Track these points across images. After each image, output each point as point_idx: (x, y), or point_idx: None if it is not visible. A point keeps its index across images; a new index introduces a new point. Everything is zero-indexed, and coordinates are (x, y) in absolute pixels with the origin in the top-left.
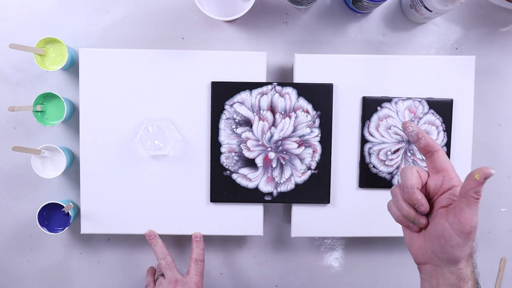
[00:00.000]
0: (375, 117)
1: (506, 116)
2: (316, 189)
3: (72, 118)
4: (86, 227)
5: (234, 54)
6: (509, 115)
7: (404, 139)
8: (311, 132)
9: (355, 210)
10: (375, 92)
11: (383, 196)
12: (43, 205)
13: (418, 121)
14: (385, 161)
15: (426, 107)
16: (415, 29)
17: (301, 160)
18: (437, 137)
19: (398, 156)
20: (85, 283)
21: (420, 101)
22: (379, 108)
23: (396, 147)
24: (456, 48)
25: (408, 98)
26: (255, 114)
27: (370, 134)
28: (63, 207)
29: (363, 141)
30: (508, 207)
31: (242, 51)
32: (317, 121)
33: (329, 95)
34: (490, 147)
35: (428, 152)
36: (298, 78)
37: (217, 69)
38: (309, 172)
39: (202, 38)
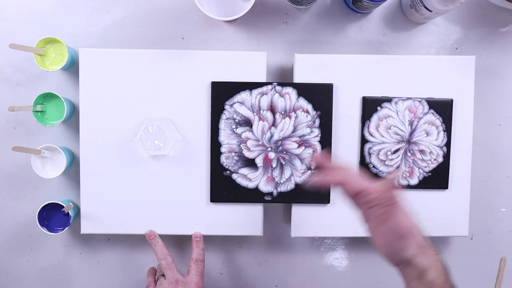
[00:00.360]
0: (375, 117)
1: (506, 116)
2: (316, 189)
3: (72, 118)
4: (86, 227)
5: (234, 54)
6: (509, 115)
7: (404, 139)
8: (311, 132)
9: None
10: (375, 92)
11: None
12: (43, 205)
13: (418, 121)
14: (385, 161)
15: (426, 107)
16: (415, 29)
17: (301, 160)
18: (437, 137)
19: (398, 156)
20: (85, 283)
21: (420, 101)
22: (379, 108)
23: (396, 147)
24: (456, 48)
25: (408, 98)
26: (255, 114)
27: (370, 134)
28: (63, 207)
29: (363, 141)
30: (508, 207)
31: (242, 51)
32: (317, 121)
33: (329, 95)
34: (490, 147)
35: (340, 185)
36: (298, 78)
37: (217, 69)
38: (309, 172)
39: (202, 38)
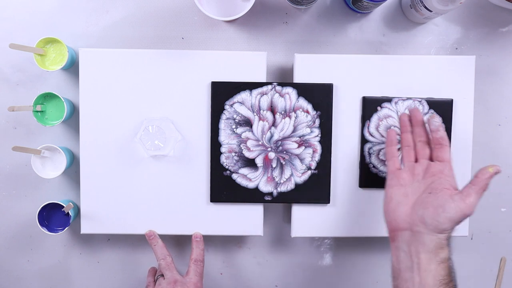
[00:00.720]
0: (375, 117)
1: (506, 116)
2: (316, 189)
3: (72, 118)
4: (86, 227)
5: (234, 54)
6: (509, 115)
7: None
8: (311, 132)
9: (355, 210)
10: (375, 92)
11: (383, 196)
12: (43, 205)
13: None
14: (385, 161)
15: (426, 107)
16: (415, 29)
17: (301, 160)
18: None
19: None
20: (85, 283)
21: (420, 101)
22: (379, 108)
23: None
24: (456, 48)
25: (408, 98)
26: (255, 114)
27: (370, 134)
28: (63, 207)
29: (363, 141)
30: (508, 207)
31: (242, 51)
32: (317, 121)
33: (329, 95)
34: (490, 147)
35: (439, 144)
36: (298, 78)
37: (217, 69)
38: (309, 172)
39: (202, 38)
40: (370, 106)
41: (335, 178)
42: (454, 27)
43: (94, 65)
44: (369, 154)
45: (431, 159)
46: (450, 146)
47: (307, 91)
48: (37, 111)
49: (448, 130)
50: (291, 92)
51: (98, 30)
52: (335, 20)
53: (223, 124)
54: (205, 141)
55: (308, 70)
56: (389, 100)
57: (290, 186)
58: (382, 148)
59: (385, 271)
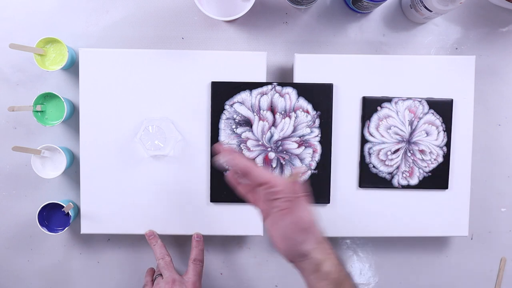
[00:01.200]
0: (375, 117)
1: (506, 116)
2: (316, 189)
3: (72, 118)
4: (86, 227)
5: (234, 54)
6: (509, 115)
7: (404, 139)
8: (311, 132)
9: (355, 210)
10: (375, 92)
11: (383, 196)
12: (43, 205)
13: (418, 121)
14: (385, 161)
15: (426, 107)
16: (415, 29)
17: (301, 160)
18: (437, 137)
19: (398, 156)
20: (85, 283)
21: (420, 101)
22: (379, 108)
23: (396, 147)
24: (456, 48)
25: (408, 98)
26: (255, 114)
27: (370, 134)
28: (63, 207)
29: (363, 141)
30: (508, 207)
31: (242, 51)
32: (317, 121)
33: (329, 95)
34: (490, 147)
35: (244, 174)
36: (298, 78)
37: (217, 69)
38: (309, 172)
39: (202, 38)
40: (370, 106)
41: (335, 178)
42: (454, 27)
43: (94, 65)
44: (369, 154)
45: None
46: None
47: (307, 91)
48: (37, 111)
49: (448, 130)
50: (291, 92)
51: (98, 30)
52: (335, 20)
53: (223, 124)
54: (205, 141)
55: (308, 70)
56: (389, 100)
57: None
58: (382, 148)
59: (385, 271)
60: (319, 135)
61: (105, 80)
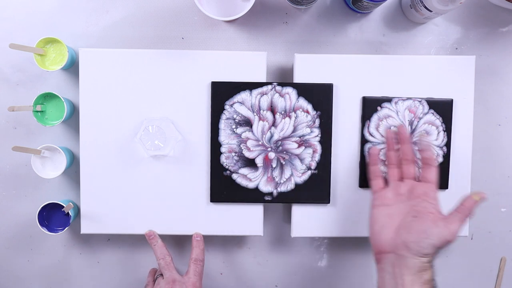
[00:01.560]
0: (375, 117)
1: (506, 116)
2: (316, 189)
3: (72, 118)
4: (86, 227)
5: (234, 54)
6: (509, 115)
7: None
8: (311, 132)
9: (355, 210)
10: (375, 92)
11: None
12: (43, 205)
13: (418, 121)
14: (385, 161)
15: (426, 107)
16: (415, 29)
17: (301, 160)
18: (437, 137)
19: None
20: (85, 283)
21: (420, 101)
22: (379, 108)
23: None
24: (456, 48)
25: (408, 98)
26: (255, 114)
27: (370, 134)
28: (63, 207)
29: (363, 141)
30: (508, 207)
31: (242, 51)
32: (317, 121)
33: (329, 95)
34: (490, 147)
35: (426, 164)
36: (298, 78)
37: (217, 69)
38: (309, 172)
39: (202, 38)
40: (370, 106)
41: (335, 178)
42: (454, 27)
43: (94, 65)
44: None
45: (416, 178)
46: (436, 167)
47: (307, 91)
48: (37, 111)
49: (448, 130)
50: (291, 92)
51: (98, 30)
52: (335, 20)
53: (223, 124)
54: (205, 141)
55: (308, 70)
56: (389, 100)
57: (290, 186)
58: (382, 148)
59: None
60: (319, 135)
61: (105, 80)
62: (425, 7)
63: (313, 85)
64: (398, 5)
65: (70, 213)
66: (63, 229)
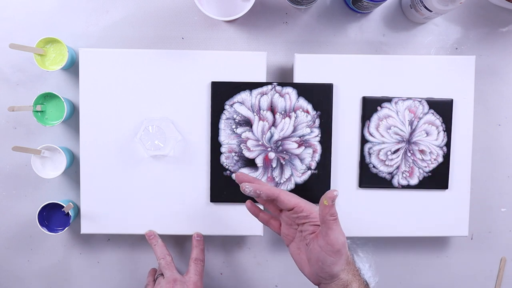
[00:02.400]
0: (375, 117)
1: (506, 116)
2: (316, 189)
3: (72, 118)
4: (86, 227)
5: (234, 54)
6: (509, 115)
7: (404, 139)
8: (311, 132)
9: (355, 210)
10: (375, 92)
11: (383, 196)
12: (43, 205)
13: (418, 121)
14: (385, 161)
15: (426, 107)
16: (415, 29)
17: (301, 160)
18: (437, 137)
19: (398, 156)
20: (85, 283)
21: (420, 101)
22: (379, 108)
23: (396, 147)
24: (456, 48)
25: (408, 98)
26: (255, 114)
27: (370, 134)
28: (63, 207)
29: (363, 141)
30: (508, 207)
31: (242, 51)
32: (317, 121)
33: (329, 95)
34: (490, 147)
35: (273, 199)
36: (298, 78)
37: (217, 69)
38: (309, 172)
39: (202, 38)
40: (370, 106)
41: (335, 178)
42: (454, 27)
43: (94, 65)
44: (369, 154)
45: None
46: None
47: (307, 91)
48: (37, 111)
49: (448, 130)
50: (291, 92)
51: (98, 30)
52: (335, 20)
53: (223, 124)
54: (205, 141)
55: (308, 70)
56: (389, 100)
57: (290, 186)
58: (382, 148)
59: (384, 271)
60: (319, 135)
61: (105, 80)
62: (425, 7)
63: (313, 85)
64: (398, 5)
65: (70, 213)
66: (63, 229)
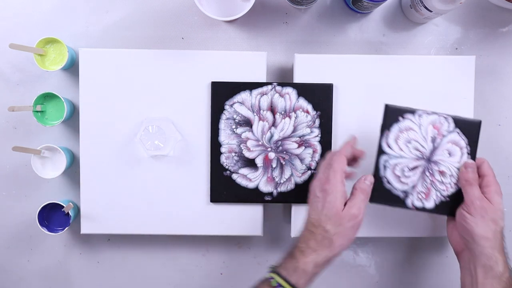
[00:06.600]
0: (395, 128)
1: (506, 116)
2: None
3: (72, 118)
4: (86, 227)
5: (234, 54)
6: (509, 115)
7: (424, 157)
8: (311, 132)
9: None
10: (375, 93)
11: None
12: (43, 205)
13: (441, 139)
14: (400, 177)
15: (452, 125)
16: (415, 29)
17: (301, 160)
18: (460, 159)
19: (416, 174)
20: (85, 283)
21: (446, 118)
22: (400, 118)
23: (414, 163)
24: (456, 48)
25: (433, 113)
26: (255, 114)
27: (388, 146)
28: (63, 207)
29: (380, 151)
30: (508, 207)
31: (242, 51)
32: (317, 121)
33: (329, 95)
34: (490, 147)
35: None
36: (298, 78)
37: (217, 69)
38: (309, 172)
39: (202, 38)
40: (391, 115)
41: None
42: (454, 27)
43: (94, 65)
44: (384, 167)
45: None
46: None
47: (307, 91)
48: (37, 111)
49: (473, 154)
50: (291, 92)
51: (98, 30)
52: (335, 20)
53: (223, 124)
54: (205, 141)
55: (308, 70)
56: (412, 111)
57: (290, 186)
58: (399, 163)
59: (384, 271)
60: (319, 135)
61: (105, 80)
62: (425, 7)
63: (313, 85)
64: (398, 5)
65: (70, 213)
66: (63, 229)
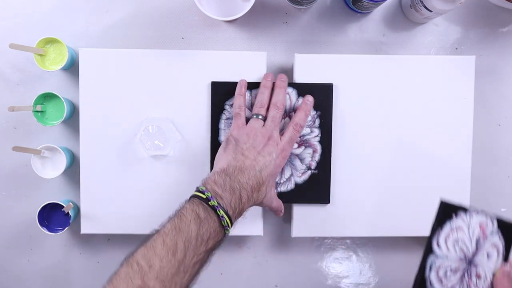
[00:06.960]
0: (447, 227)
1: (506, 116)
2: (316, 189)
3: (72, 118)
4: (86, 227)
5: (234, 54)
6: (509, 115)
7: (467, 258)
8: (311, 132)
9: (355, 210)
10: (376, 93)
11: (383, 195)
12: (43, 205)
13: (484, 241)
14: (442, 280)
15: (495, 226)
16: (415, 29)
17: (301, 160)
18: (496, 263)
19: (456, 276)
20: (85, 283)
21: (491, 219)
22: (454, 216)
23: (456, 265)
24: (456, 48)
25: (482, 211)
26: None
27: (438, 245)
28: (63, 207)
29: (429, 250)
30: (508, 207)
31: (242, 51)
32: (317, 121)
33: (329, 95)
34: (490, 147)
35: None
36: (298, 78)
37: (217, 69)
38: (309, 172)
39: (202, 38)
40: (446, 211)
41: (335, 178)
42: (454, 27)
43: (94, 65)
44: (430, 267)
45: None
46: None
47: (307, 91)
48: (37, 111)
49: (505, 258)
50: (291, 92)
51: (98, 30)
52: (335, 20)
53: (223, 124)
54: (205, 141)
55: (308, 70)
56: (465, 210)
57: (290, 186)
58: (443, 264)
59: (384, 271)
60: (319, 135)
61: (105, 80)
62: (425, 7)
63: (313, 85)
64: (398, 5)
65: (70, 213)
66: (63, 229)
